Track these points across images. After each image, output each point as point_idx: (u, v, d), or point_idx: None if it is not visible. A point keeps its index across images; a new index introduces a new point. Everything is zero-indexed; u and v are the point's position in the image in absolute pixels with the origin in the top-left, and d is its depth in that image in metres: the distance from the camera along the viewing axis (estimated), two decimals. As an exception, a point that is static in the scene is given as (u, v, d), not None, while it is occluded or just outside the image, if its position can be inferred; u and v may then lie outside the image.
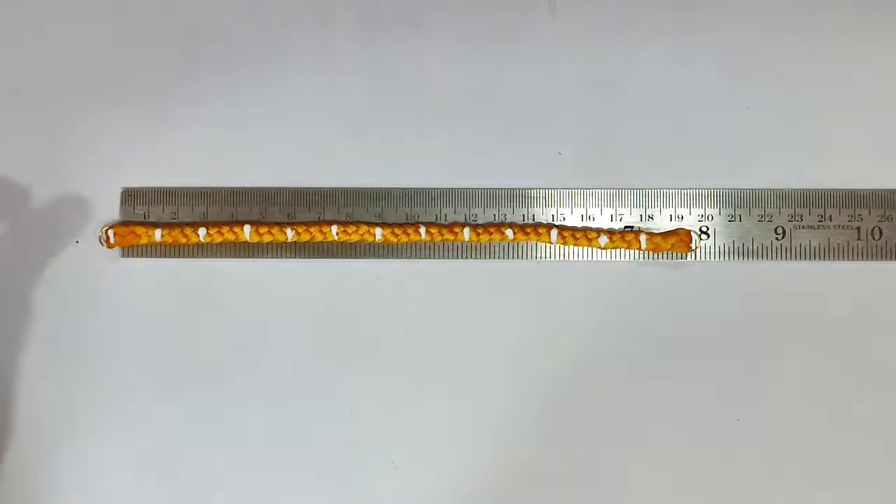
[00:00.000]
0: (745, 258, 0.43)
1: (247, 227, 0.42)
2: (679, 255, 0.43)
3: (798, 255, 0.43)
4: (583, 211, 0.43)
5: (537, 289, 0.43)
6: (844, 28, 0.44)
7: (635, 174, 0.43)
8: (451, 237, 0.42)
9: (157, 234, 0.42)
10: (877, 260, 0.43)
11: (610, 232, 0.42)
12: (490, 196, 0.43)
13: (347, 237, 0.42)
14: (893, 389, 0.42)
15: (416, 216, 0.43)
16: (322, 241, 0.42)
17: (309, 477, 0.42)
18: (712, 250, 0.43)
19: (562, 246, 0.42)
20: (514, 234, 0.42)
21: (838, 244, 0.43)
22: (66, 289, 0.43)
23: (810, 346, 0.42)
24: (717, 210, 0.43)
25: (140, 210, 0.43)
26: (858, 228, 0.43)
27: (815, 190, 0.43)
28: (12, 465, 0.42)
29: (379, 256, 0.43)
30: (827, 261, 0.43)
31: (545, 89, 0.44)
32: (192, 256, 0.43)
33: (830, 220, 0.43)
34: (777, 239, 0.43)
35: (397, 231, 0.42)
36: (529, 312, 0.43)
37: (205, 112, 0.44)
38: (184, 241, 0.42)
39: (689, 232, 0.42)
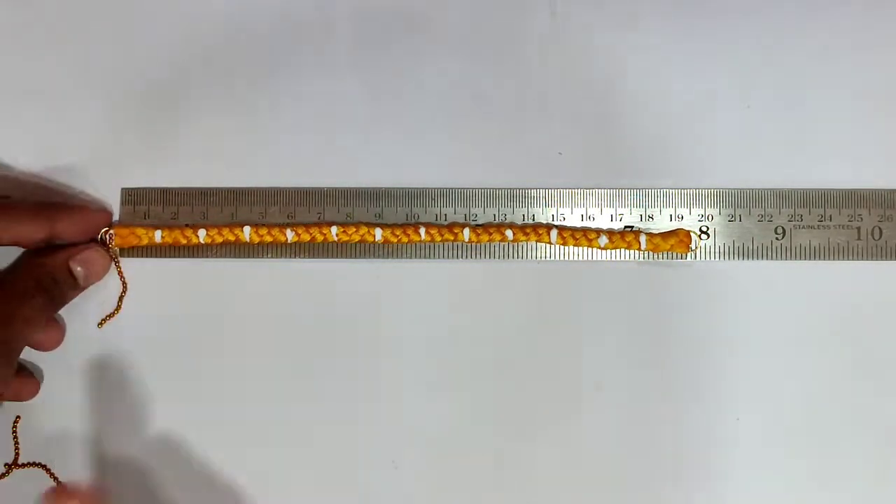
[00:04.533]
0: (745, 258, 0.43)
1: (247, 229, 0.42)
2: (679, 255, 0.43)
3: (798, 255, 0.43)
4: (583, 211, 0.43)
5: (537, 289, 0.43)
6: (844, 28, 0.44)
7: (635, 174, 0.43)
8: (451, 237, 0.42)
9: (158, 235, 0.42)
10: (877, 260, 0.43)
11: (610, 232, 0.42)
12: (490, 196, 0.43)
13: (348, 238, 0.42)
14: (893, 389, 0.42)
15: (416, 216, 0.43)
16: (322, 242, 0.42)
17: (309, 476, 0.42)
18: (712, 250, 0.43)
19: (562, 246, 0.42)
20: (514, 234, 0.42)
21: (838, 244, 0.43)
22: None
23: (810, 346, 0.42)
24: (717, 210, 0.43)
25: (140, 210, 0.43)
26: (858, 228, 0.43)
27: (815, 190, 0.43)
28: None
29: (379, 256, 0.43)
30: (827, 261, 0.43)
31: (545, 89, 0.44)
32: (192, 256, 0.43)
33: (830, 220, 0.43)
34: (777, 239, 0.43)
35: (397, 231, 0.42)
36: (529, 312, 0.43)
37: (205, 112, 0.44)
38: (184, 241, 0.42)
39: (688, 232, 0.42)
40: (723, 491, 0.42)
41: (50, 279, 0.39)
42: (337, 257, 0.43)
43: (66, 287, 0.40)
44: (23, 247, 0.40)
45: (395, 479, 0.42)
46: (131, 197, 0.43)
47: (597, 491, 0.42)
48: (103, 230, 0.42)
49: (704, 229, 0.43)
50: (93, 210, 0.42)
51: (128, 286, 0.43)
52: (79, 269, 0.40)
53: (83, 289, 0.41)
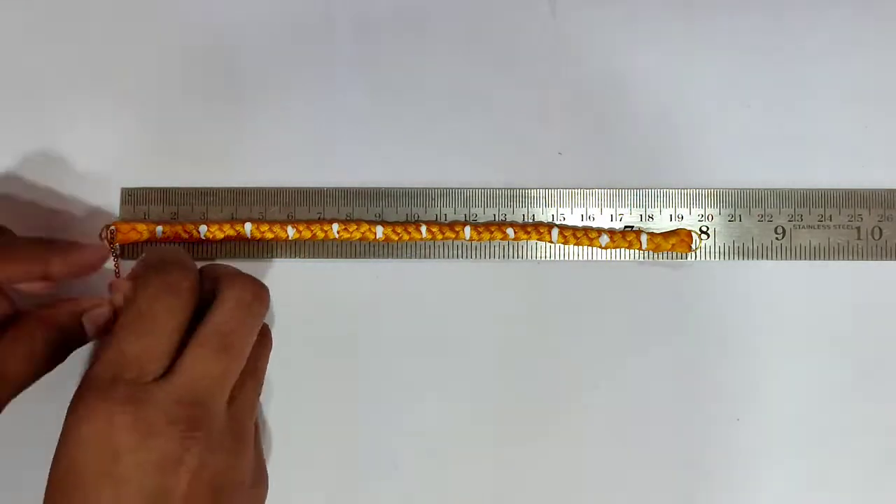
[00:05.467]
0: (745, 258, 0.43)
1: (248, 224, 0.42)
2: (679, 254, 0.43)
3: (798, 255, 0.43)
4: (583, 211, 0.43)
5: (537, 289, 0.43)
6: (844, 28, 0.44)
7: (635, 174, 0.43)
8: (452, 235, 0.42)
9: (159, 230, 0.42)
10: (877, 260, 0.43)
11: (611, 231, 0.42)
12: (490, 196, 0.43)
13: (349, 235, 0.42)
14: (893, 389, 0.42)
15: (416, 216, 0.43)
16: (323, 240, 0.42)
17: (309, 477, 0.42)
18: (712, 250, 0.43)
19: (562, 246, 0.42)
20: (515, 232, 0.42)
21: (838, 244, 0.43)
22: (66, 289, 0.43)
23: (810, 346, 0.43)
24: (717, 210, 0.43)
25: (140, 210, 0.43)
26: (858, 228, 0.43)
27: (815, 190, 0.43)
28: (13, 467, 0.42)
29: (379, 256, 0.43)
30: (827, 261, 0.43)
31: (545, 89, 0.44)
32: (192, 257, 0.43)
33: (830, 219, 0.43)
34: (777, 239, 0.43)
35: (398, 229, 0.42)
36: (529, 312, 0.43)
37: (205, 112, 0.44)
38: (185, 237, 0.42)
39: (689, 232, 0.42)
40: (723, 491, 0.42)
41: (56, 334, 0.38)
42: (337, 257, 0.43)
43: (73, 343, 0.38)
44: (17, 285, 0.39)
45: (395, 480, 0.42)
46: (131, 197, 0.43)
47: (596, 491, 0.42)
48: (104, 226, 0.42)
49: (704, 229, 0.43)
50: (88, 248, 0.40)
51: None
52: (92, 326, 0.38)
53: (87, 342, 0.39)
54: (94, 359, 0.34)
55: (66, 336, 0.38)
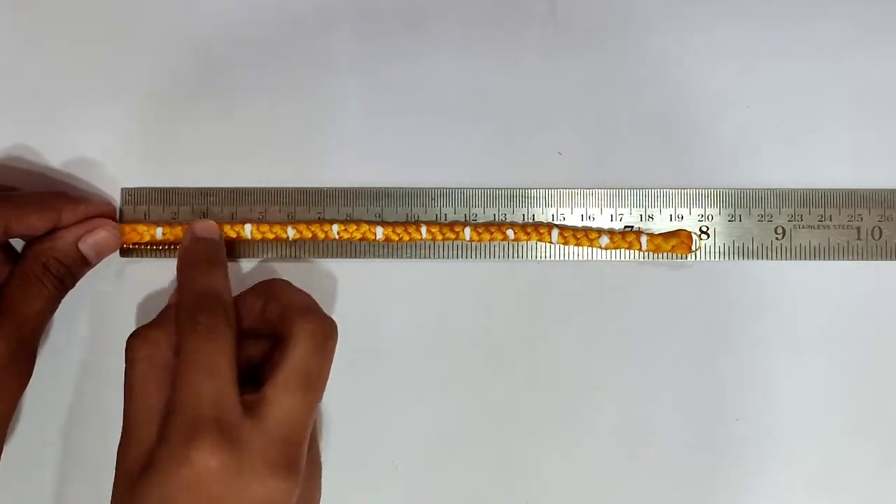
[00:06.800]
0: (745, 258, 0.43)
1: (248, 226, 0.42)
2: (679, 255, 0.42)
3: (798, 255, 0.43)
4: (583, 211, 0.43)
5: (537, 289, 0.43)
6: (844, 28, 0.44)
7: (635, 174, 0.43)
8: (452, 236, 0.42)
9: (159, 231, 0.42)
10: (877, 260, 0.43)
11: (611, 232, 0.42)
12: (490, 196, 0.43)
13: (349, 235, 0.42)
14: (893, 389, 0.42)
15: (416, 216, 0.43)
16: (323, 240, 0.42)
17: (309, 477, 0.42)
18: (712, 250, 0.43)
19: (562, 246, 0.42)
20: (516, 233, 0.42)
21: (838, 244, 0.43)
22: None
23: (810, 346, 0.43)
24: (717, 210, 0.43)
25: (140, 210, 0.43)
26: (858, 228, 0.43)
27: (815, 190, 0.43)
28: (11, 467, 0.42)
29: (379, 256, 0.43)
30: (827, 261, 0.43)
31: (545, 89, 0.44)
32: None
33: (830, 220, 0.43)
34: (777, 239, 0.43)
35: (398, 229, 0.42)
36: (529, 312, 0.43)
37: (205, 112, 0.44)
38: (185, 238, 0.42)
39: (689, 234, 0.42)
40: (723, 491, 0.42)
41: (58, 263, 0.39)
42: (337, 257, 0.43)
43: (76, 268, 0.40)
44: (27, 238, 0.40)
45: (395, 479, 0.42)
46: (131, 197, 0.43)
47: (596, 490, 0.42)
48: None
49: (704, 229, 0.43)
50: (97, 202, 0.42)
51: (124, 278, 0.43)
52: (90, 249, 0.40)
53: (94, 265, 0.41)
54: (171, 411, 0.33)
55: (68, 265, 0.40)
